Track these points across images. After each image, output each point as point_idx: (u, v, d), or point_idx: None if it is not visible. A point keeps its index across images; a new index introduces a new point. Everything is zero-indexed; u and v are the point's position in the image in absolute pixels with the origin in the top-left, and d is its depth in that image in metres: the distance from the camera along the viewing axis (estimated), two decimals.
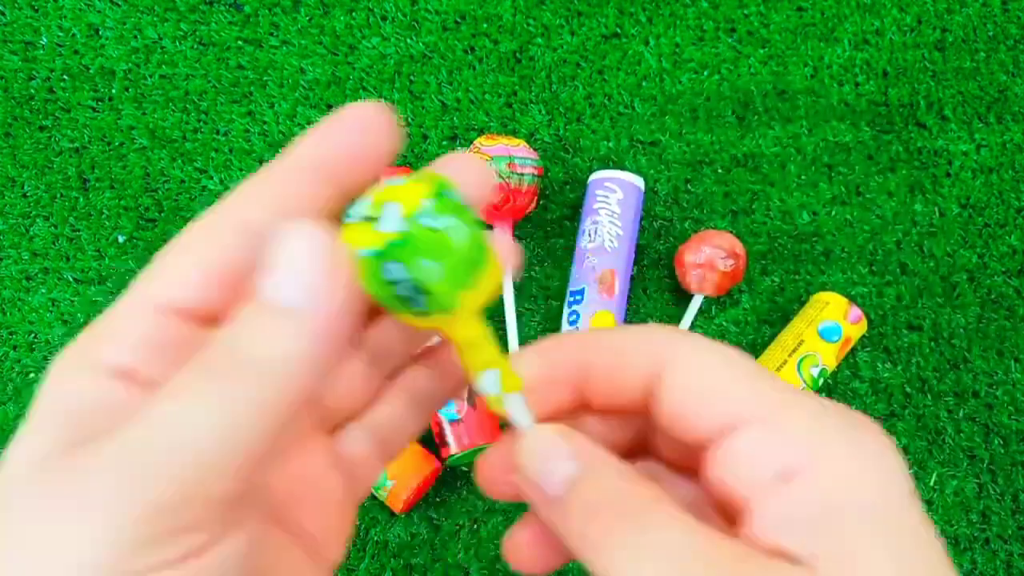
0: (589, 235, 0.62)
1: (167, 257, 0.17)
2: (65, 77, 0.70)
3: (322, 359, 0.16)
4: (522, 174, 0.62)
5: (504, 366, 0.19)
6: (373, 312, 0.20)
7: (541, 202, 0.67)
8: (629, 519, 0.17)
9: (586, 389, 0.20)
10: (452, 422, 0.58)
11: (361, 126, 0.18)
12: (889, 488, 0.17)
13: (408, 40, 0.71)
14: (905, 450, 0.61)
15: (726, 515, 0.18)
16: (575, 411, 0.20)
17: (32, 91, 0.70)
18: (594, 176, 0.65)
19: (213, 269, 0.17)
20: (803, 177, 0.68)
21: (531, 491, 0.19)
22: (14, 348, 0.64)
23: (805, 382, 0.57)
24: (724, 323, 0.64)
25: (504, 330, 0.62)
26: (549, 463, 0.18)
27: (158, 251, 0.18)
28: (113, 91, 0.70)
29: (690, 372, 0.18)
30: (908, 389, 0.63)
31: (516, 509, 0.60)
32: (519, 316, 0.64)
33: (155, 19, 0.72)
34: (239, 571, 0.16)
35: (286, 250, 0.16)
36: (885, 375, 0.63)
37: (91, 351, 0.16)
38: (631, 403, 0.19)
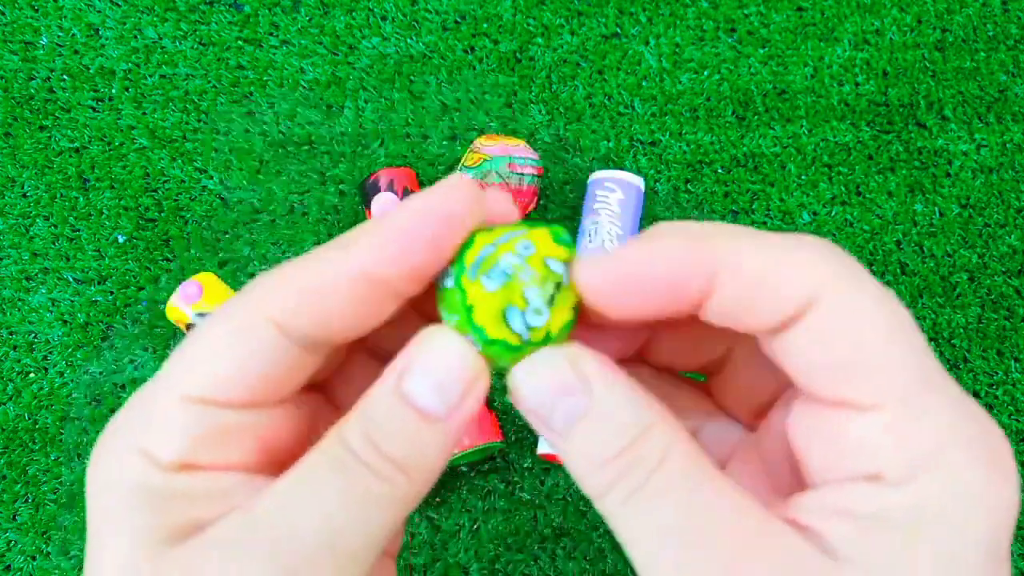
0: (589, 235, 0.62)
1: (196, 348, 0.16)
2: (65, 77, 0.70)
3: (447, 460, 0.16)
4: (522, 174, 0.62)
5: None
6: None
7: (541, 202, 0.67)
8: (628, 479, 0.15)
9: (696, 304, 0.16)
10: None
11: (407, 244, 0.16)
12: (991, 527, 0.14)
13: (408, 40, 0.71)
14: None
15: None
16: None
17: (32, 91, 0.70)
18: (594, 176, 0.65)
19: (246, 367, 0.16)
20: (803, 177, 0.68)
21: (532, 418, 0.17)
22: (14, 348, 0.64)
23: None
24: None
25: None
26: (551, 395, 0.16)
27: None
28: (113, 91, 0.70)
29: (843, 327, 0.15)
30: None
31: (516, 509, 0.60)
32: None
33: (155, 19, 0.72)
34: None
35: (432, 356, 0.16)
36: None
37: (141, 447, 0.16)
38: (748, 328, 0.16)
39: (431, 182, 0.67)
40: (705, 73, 0.71)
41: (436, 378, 0.16)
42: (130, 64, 0.71)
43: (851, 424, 0.15)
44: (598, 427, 0.16)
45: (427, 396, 0.16)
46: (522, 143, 0.63)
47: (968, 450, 0.14)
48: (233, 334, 0.16)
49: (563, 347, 0.16)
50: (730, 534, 0.14)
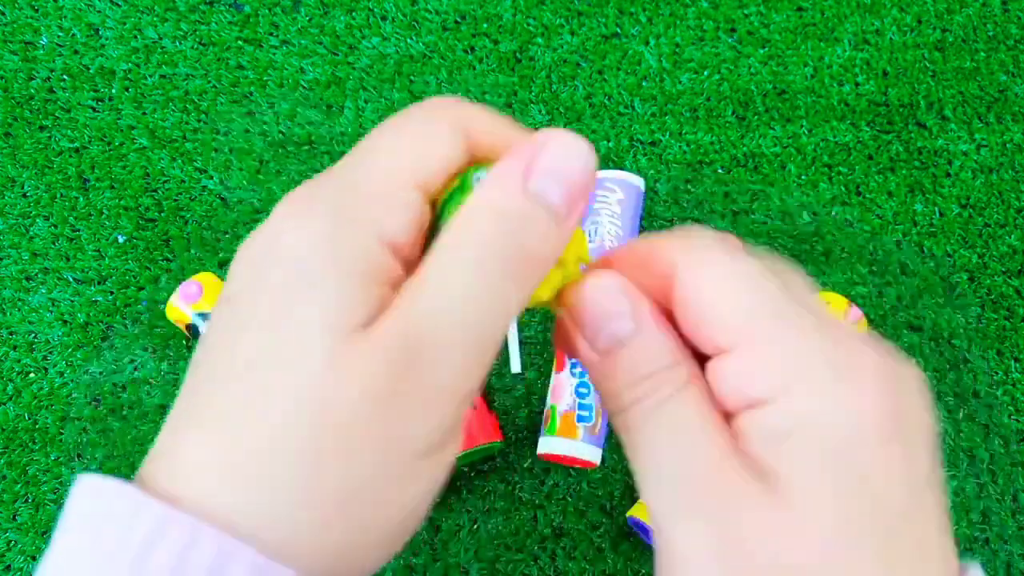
0: (589, 235, 0.62)
1: (424, 138, 0.18)
2: (65, 77, 0.70)
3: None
4: None
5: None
6: None
7: None
8: (655, 395, 0.18)
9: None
10: None
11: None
12: (853, 426, 0.17)
13: (408, 40, 0.71)
14: None
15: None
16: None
17: (32, 91, 0.70)
18: None
19: (447, 170, 0.18)
20: (803, 177, 0.68)
21: (581, 333, 0.20)
22: (14, 348, 0.64)
23: None
24: None
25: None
26: (608, 318, 0.19)
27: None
28: (113, 91, 0.70)
29: (691, 289, 0.18)
30: None
31: (516, 509, 0.60)
32: (518, 316, 0.64)
33: (155, 19, 0.72)
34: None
35: (563, 154, 0.17)
36: None
37: (372, 216, 0.17)
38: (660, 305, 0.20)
39: None
40: (705, 73, 0.71)
41: (563, 180, 0.17)
42: (130, 64, 0.71)
43: (720, 366, 0.18)
44: (640, 350, 0.19)
45: (555, 195, 0.17)
46: None
47: (819, 362, 0.17)
48: (453, 142, 0.18)
49: (619, 280, 0.19)
50: (713, 453, 0.18)
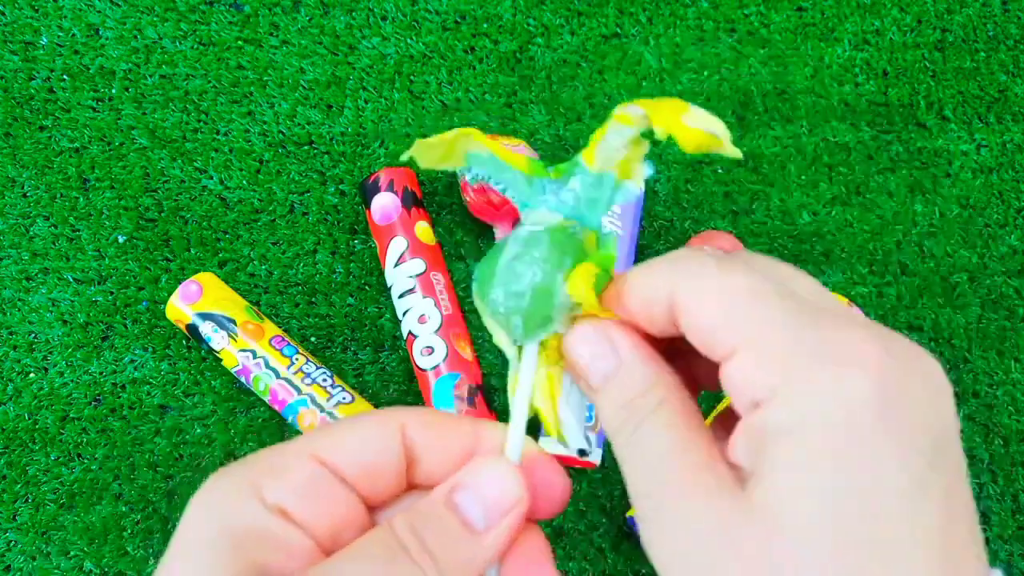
0: None
1: (343, 426, 0.21)
2: (65, 77, 0.70)
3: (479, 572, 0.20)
4: None
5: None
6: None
7: None
8: (633, 421, 0.20)
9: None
10: None
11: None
12: (843, 417, 0.16)
13: (408, 40, 0.71)
14: None
15: None
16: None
17: (32, 91, 0.70)
18: None
19: (373, 457, 0.20)
20: (803, 177, 0.68)
21: (578, 373, 0.22)
22: (14, 348, 0.64)
23: None
24: None
25: None
26: (593, 359, 0.21)
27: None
28: (113, 91, 0.70)
29: (691, 310, 0.19)
30: None
31: None
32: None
33: (155, 19, 0.72)
34: None
35: (484, 479, 0.20)
36: None
37: (255, 482, 0.19)
38: (671, 331, 0.21)
39: (431, 182, 0.67)
40: (705, 73, 0.71)
41: (484, 499, 0.20)
42: (130, 64, 0.71)
43: (727, 371, 0.18)
44: (621, 381, 0.20)
45: (473, 510, 0.20)
46: (522, 143, 0.63)
47: (810, 357, 0.17)
48: (377, 429, 0.21)
49: (602, 322, 0.21)
50: (682, 469, 0.18)
